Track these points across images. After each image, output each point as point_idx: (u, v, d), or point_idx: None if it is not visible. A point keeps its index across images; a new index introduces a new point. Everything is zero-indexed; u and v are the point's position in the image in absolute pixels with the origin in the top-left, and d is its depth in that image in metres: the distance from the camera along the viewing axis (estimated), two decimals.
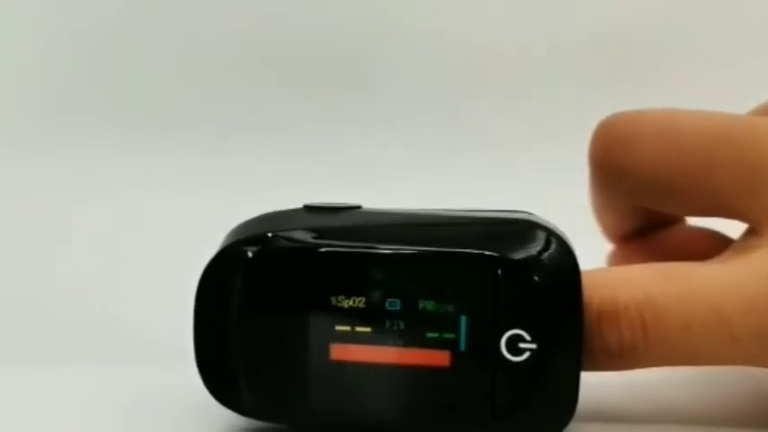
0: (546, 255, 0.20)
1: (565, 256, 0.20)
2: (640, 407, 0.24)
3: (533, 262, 0.20)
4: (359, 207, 0.22)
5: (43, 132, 0.54)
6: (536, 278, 0.20)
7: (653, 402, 0.24)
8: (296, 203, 0.23)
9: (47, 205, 0.46)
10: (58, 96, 0.56)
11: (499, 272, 0.20)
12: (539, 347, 0.20)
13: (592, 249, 0.24)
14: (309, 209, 0.22)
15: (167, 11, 0.55)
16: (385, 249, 0.20)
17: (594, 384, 0.22)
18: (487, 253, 0.20)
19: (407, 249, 0.20)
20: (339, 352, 0.20)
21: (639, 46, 0.55)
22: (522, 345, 0.20)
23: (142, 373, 0.26)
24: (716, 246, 0.25)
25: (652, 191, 0.23)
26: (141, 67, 0.56)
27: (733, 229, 0.24)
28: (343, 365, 0.20)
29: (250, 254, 0.21)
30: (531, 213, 0.22)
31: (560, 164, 0.41)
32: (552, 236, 0.20)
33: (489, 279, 0.20)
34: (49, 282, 0.36)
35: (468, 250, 0.20)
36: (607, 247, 0.28)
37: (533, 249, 0.20)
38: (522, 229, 0.21)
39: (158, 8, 0.55)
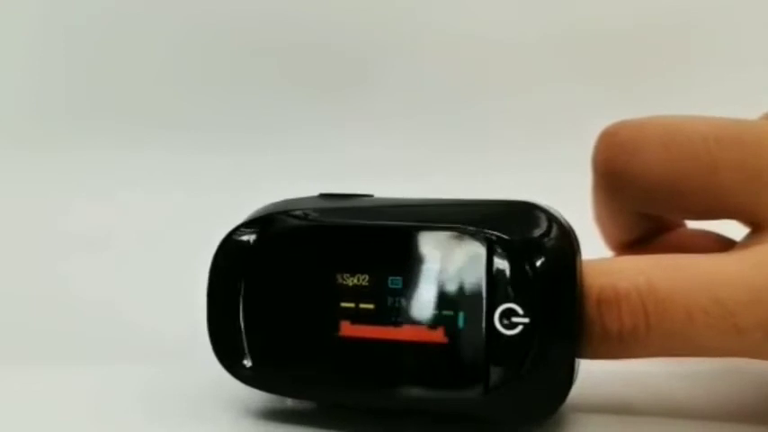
0: (542, 234, 0.20)
1: (562, 237, 0.21)
2: (642, 399, 0.24)
3: (529, 240, 0.20)
4: (371, 196, 0.23)
5: (43, 132, 0.54)
6: (531, 256, 0.20)
7: (655, 394, 0.24)
8: None
9: (47, 205, 0.46)
10: (57, 96, 0.56)
11: (494, 247, 0.20)
12: (531, 321, 0.20)
13: (592, 248, 0.24)
14: (324, 196, 0.23)
15: (167, 10, 0.56)
16: (386, 227, 0.21)
17: (596, 376, 0.22)
18: (485, 231, 0.20)
19: (409, 227, 0.21)
20: (343, 328, 0.21)
21: (641, 46, 0.55)
22: (515, 319, 0.20)
23: (143, 371, 0.26)
24: (716, 247, 0.25)
25: (657, 196, 0.23)
26: (142, 67, 0.56)
27: (733, 231, 0.24)
28: (346, 341, 0.21)
29: (258, 233, 0.22)
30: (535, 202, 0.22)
31: (560, 164, 0.41)
32: (552, 218, 0.21)
33: (485, 255, 0.20)
34: (50, 281, 0.36)
35: (466, 229, 0.21)
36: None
37: (530, 229, 0.21)
38: (521, 210, 0.21)
39: (158, 7, 0.56)
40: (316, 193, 0.24)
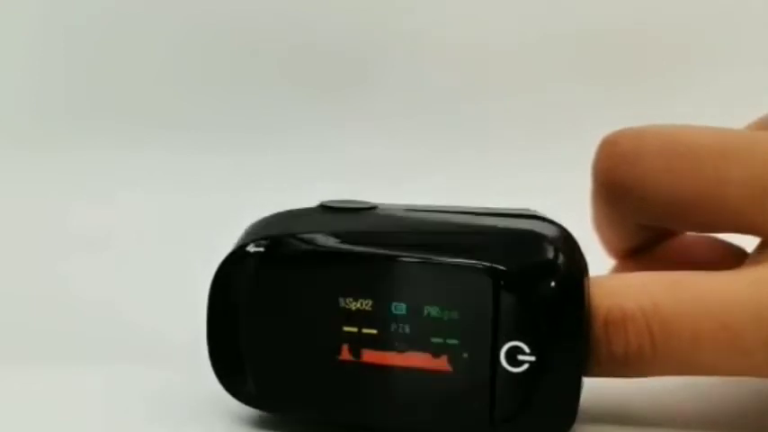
0: (548, 267, 0.20)
1: (569, 271, 0.20)
2: (646, 408, 0.24)
3: (535, 275, 0.20)
4: (374, 207, 0.23)
5: (43, 132, 0.54)
6: (536, 292, 0.20)
7: (659, 404, 0.24)
8: (296, 203, 0.23)
9: (47, 205, 0.46)
10: (57, 96, 0.56)
11: (501, 284, 0.20)
12: (537, 360, 0.20)
13: (592, 251, 0.24)
14: (325, 208, 0.23)
15: (167, 10, 0.56)
16: (392, 255, 0.21)
17: (600, 385, 0.22)
18: (490, 265, 0.20)
19: (414, 257, 0.21)
20: (345, 352, 0.21)
21: (641, 46, 0.55)
22: (521, 357, 0.20)
23: (143, 371, 0.26)
24: (719, 254, 0.25)
25: (659, 208, 0.22)
26: (142, 67, 0.56)
27: (735, 236, 0.24)
28: (348, 365, 0.21)
29: (262, 254, 0.21)
30: (546, 219, 0.22)
31: (560, 164, 0.41)
32: (558, 249, 0.20)
33: (491, 290, 0.20)
34: (50, 281, 0.36)
35: (471, 261, 0.20)
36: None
37: (536, 262, 0.20)
38: (528, 240, 0.21)
39: (158, 7, 0.56)
40: (316, 194, 0.23)
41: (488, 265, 0.20)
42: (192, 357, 0.24)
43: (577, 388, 0.20)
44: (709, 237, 0.27)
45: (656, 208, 0.22)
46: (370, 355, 0.21)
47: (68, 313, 0.32)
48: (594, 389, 0.21)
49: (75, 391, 0.25)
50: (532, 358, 0.20)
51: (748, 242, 0.23)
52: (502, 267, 0.20)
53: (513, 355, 0.20)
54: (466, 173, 0.50)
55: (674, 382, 0.23)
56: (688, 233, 0.27)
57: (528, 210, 0.22)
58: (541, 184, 0.40)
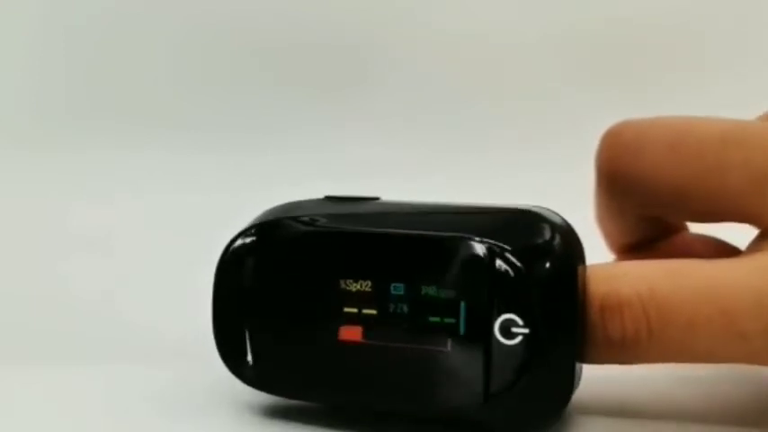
0: (544, 244, 0.20)
1: (564, 247, 0.20)
2: (644, 401, 0.24)
3: (531, 251, 0.20)
4: (377, 198, 0.23)
5: (43, 132, 0.54)
6: (532, 266, 0.20)
7: (657, 397, 0.24)
8: None
9: (47, 205, 0.46)
10: (57, 96, 0.56)
11: (497, 260, 0.20)
12: (531, 332, 0.20)
13: (593, 249, 0.24)
14: (329, 199, 0.23)
15: (167, 10, 0.56)
16: (390, 234, 0.21)
17: (598, 377, 0.22)
18: (485, 241, 0.20)
19: (412, 234, 0.21)
20: (346, 333, 0.21)
21: (641, 46, 0.55)
22: (514, 329, 0.20)
23: (143, 371, 0.26)
24: (718, 252, 0.25)
25: (662, 198, 0.23)
26: (142, 67, 0.56)
27: (736, 236, 0.24)
28: (349, 345, 0.21)
29: (264, 237, 0.22)
30: (545, 209, 0.22)
31: (560, 164, 0.41)
32: (555, 227, 0.21)
33: (486, 266, 0.20)
34: (50, 281, 0.36)
35: (468, 237, 0.21)
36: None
37: (532, 239, 0.21)
38: (524, 220, 0.21)
39: (158, 7, 0.56)
40: (316, 194, 0.24)
41: (485, 240, 0.20)
42: (192, 357, 0.24)
43: (571, 367, 0.20)
44: (708, 236, 0.27)
45: (658, 197, 0.23)
46: (369, 336, 0.21)
47: (68, 313, 0.32)
48: (589, 379, 0.21)
49: (75, 391, 0.25)
50: (526, 330, 0.20)
51: (746, 242, 0.23)
52: (499, 243, 0.20)
53: (507, 328, 0.20)
54: (466, 173, 0.50)
55: (674, 375, 0.23)
56: (687, 232, 0.27)
57: (533, 206, 0.22)
58: (541, 184, 0.40)
